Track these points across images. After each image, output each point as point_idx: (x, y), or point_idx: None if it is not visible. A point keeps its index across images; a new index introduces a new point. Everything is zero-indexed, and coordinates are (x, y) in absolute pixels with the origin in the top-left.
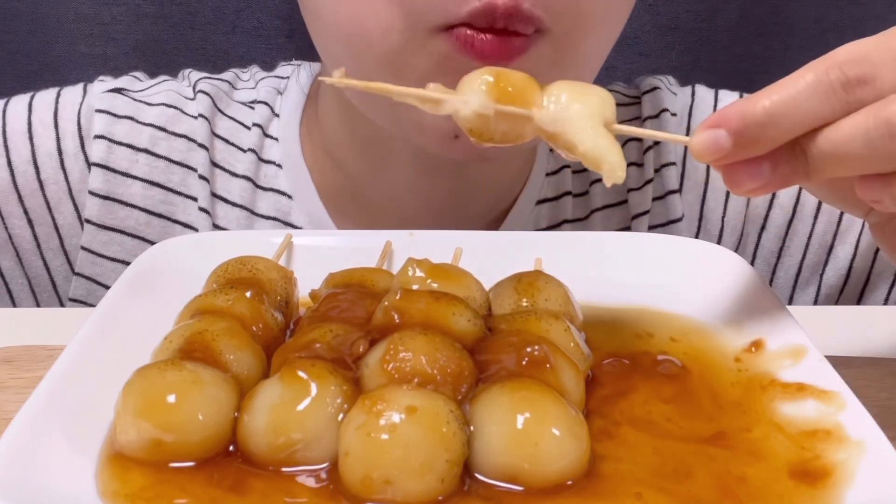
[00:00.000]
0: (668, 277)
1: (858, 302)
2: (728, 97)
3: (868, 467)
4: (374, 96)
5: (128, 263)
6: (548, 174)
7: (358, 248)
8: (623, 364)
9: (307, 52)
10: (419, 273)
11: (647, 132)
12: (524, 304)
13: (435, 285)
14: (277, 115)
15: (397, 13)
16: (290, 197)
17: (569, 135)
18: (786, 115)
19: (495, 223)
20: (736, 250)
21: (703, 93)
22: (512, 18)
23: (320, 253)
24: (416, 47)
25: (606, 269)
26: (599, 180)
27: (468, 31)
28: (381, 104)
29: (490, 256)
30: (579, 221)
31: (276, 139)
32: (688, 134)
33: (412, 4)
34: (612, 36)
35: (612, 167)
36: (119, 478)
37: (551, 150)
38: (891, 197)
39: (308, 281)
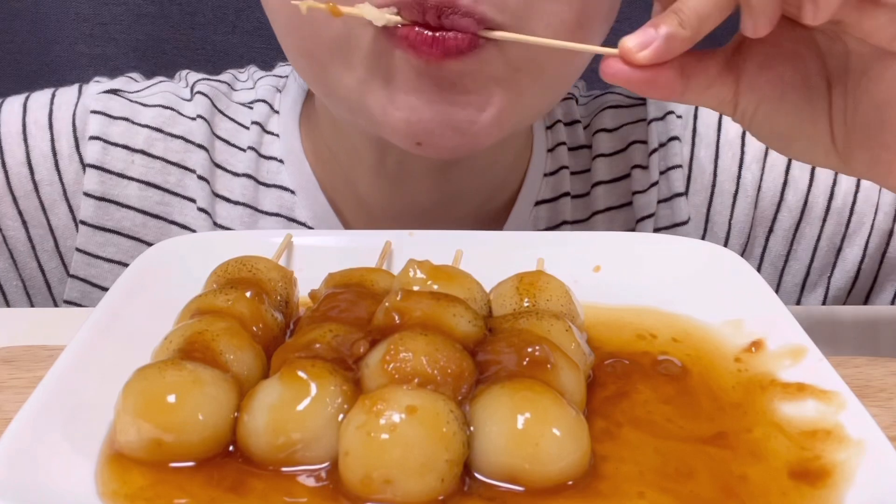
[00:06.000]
0: (668, 277)
1: (865, 303)
2: None
3: (868, 467)
4: (338, 96)
5: (124, 265)
6: (545, 175)
7: (358, 248)
8: (624, 364)
9: None
10: (420, 274)
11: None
12: (525, 304)
13: (436, 287)
14: (277, 112)
15: None
16: (293, 192)
17: None
18: None
19: (496, 224)
20: (742, 254)
21: None
22: (446, 11)
23: (320, 253)
24: (359, 32)
25: (608, 270)
26: (602, 182)
27: (401, 28)
28: (345, 103)
29: (491, 257)
30: (580, 223)
31: (277, 135)
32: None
33: None
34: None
35: None
36: (119, 478)
37: (549, 150)
38: None
39: (308, 281)
